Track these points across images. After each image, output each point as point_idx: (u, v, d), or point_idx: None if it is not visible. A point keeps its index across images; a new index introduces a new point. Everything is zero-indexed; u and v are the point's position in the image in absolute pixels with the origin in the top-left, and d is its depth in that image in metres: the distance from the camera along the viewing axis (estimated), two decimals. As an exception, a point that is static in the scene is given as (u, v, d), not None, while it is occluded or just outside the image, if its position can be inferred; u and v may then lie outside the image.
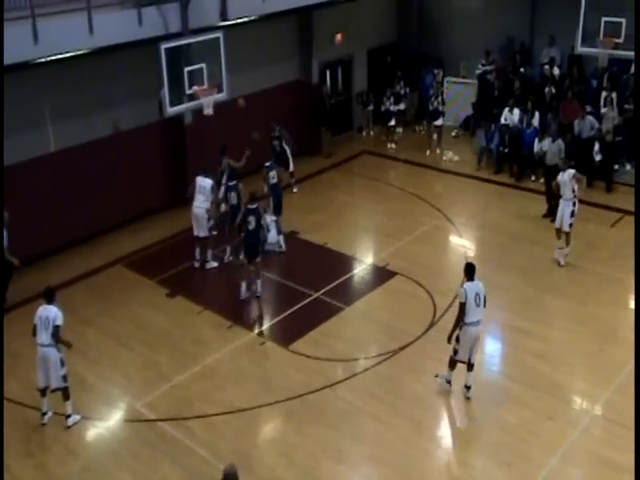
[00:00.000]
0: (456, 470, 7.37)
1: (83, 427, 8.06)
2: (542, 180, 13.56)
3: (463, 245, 12.04)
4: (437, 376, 8.45)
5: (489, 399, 8.34)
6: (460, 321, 7.96)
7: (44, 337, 7.68)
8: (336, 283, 10.85)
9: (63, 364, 7.81)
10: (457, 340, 8.02)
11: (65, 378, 7.85)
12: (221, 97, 11.27)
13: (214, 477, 7.20)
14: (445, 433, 7.98)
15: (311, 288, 10.66)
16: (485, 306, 8.02)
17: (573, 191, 10.94)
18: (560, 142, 12.86)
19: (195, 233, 11.40)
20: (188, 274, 11.28)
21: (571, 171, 10.94)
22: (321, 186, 14.63)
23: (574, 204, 10.99)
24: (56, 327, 7.66)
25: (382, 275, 11.16)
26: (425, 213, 12.99)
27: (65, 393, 7.92)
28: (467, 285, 7.99)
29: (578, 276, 10.81)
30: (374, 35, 17.83)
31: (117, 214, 12.60)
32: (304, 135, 15.94)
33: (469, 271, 8.10)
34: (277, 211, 12.07)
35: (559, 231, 11.14)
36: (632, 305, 10.22)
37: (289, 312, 10.18)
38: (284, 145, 14.08)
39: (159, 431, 7.95)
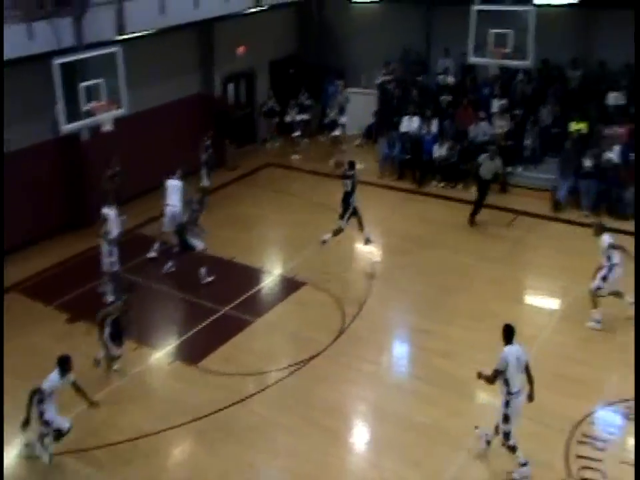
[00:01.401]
0: (369, 473, 7.49)
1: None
2: (475, 189, 13.57)
3: (369, 251, 12.32)
4: (477, 428, 7.72)
5: (398, 401, 8.56)
6: (505, 393, 7.08)
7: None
8: (244, 296, 10.82)
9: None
10: (507, 420, 7.08)
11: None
12: (120, 112, 11.01)
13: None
14: (357, 438, 8.12)
15: (219, 303, 10.57)
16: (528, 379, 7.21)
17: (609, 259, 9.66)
18: (498, 161, 13.18)
19: (165, 228, 11.98)
20: (89, 297, 10.86)
21: (606, 238, 9.71)
22: (227, 200, 14.53)
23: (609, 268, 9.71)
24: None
25: (290, 285, 11.24)
26: (331, 222, 13.14)
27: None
28: (507, 350, 7.06)
29: (476, 275, 11.32)
30: (276, 47, 18.03)
31: (9, 238, 11.93)
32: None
33: (508, 334, 7.13)
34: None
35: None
36: (527, 300, 10.85)
37: (196, 329, 10.03)
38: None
39: (62, 464, 7.60)
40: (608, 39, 15.24)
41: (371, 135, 17.19)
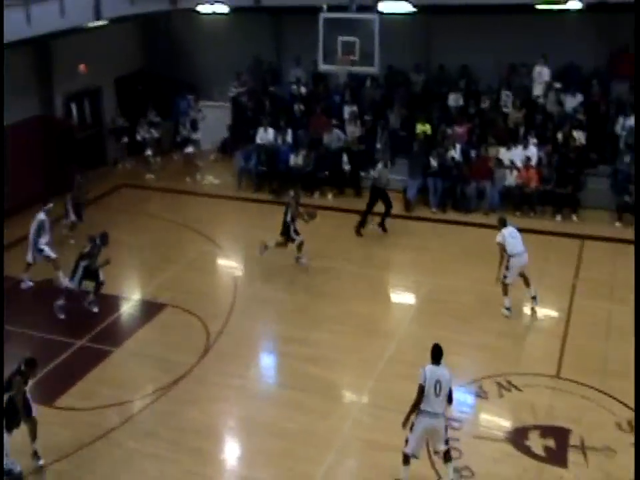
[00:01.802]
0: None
1: None
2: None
3: (230, 265, 12.50)
4: None
5: (267, 411, 8.77)
6: (416, 405, 7.16)
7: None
8: (102, 326, 10.56)
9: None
10: (411, 428, 7.16)
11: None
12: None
13: None
14: (228, 454, 8.22)
15: (75, 336, 10.23)
16: (448, 401, 7.21)
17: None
18: (380, 165, 13.65)
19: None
20: None
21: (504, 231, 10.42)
22: (78, 226, 14.09)
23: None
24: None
25: (151, 309, 11.12)
26: (190, 239, 13.22)
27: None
28: (429, 368, 7.15)
29: (337, 278, 11.83)
30: (122, 63, 17.74)
31: None
32: (50, 174, 15.27)
33: (434, 354, 7.23)
34: None
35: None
36: (386, 297, 11.50)
37: (50, 367, 9.63)
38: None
39: None
40: (445, 44, 16.58)
41: (226, 148, 17.39)
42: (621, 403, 8.40)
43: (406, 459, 7.20)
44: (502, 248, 10.30)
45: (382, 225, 13.53)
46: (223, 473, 7.89)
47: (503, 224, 10.54)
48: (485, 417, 8.59)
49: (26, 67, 14.98)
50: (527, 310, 10.71)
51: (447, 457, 7.23)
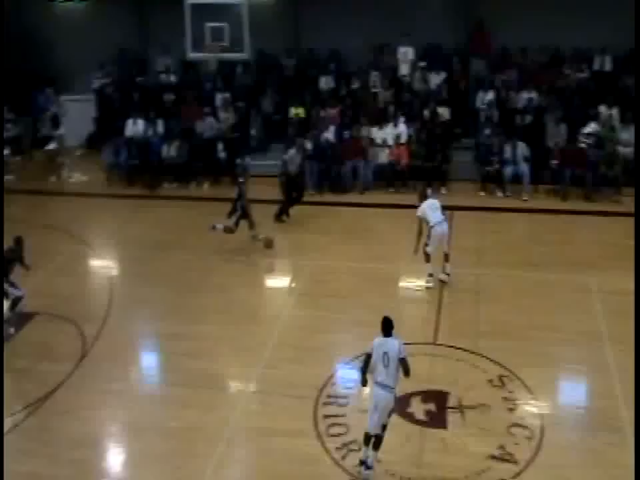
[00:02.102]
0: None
1: None
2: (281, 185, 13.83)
3: (104, 265, 12.08)
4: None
5: (152, 412, 8.56)
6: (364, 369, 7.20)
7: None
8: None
9: None
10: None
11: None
12: None
13: None
14: (111, 462, 7.95)
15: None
16: (405, 373, 7.12)
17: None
18: (292, 151, 13.66)
19: None
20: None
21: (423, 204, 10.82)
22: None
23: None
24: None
25: (17, 320, 10.48)
26: (59, 241, 12.60)
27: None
28: (377, 339, 7.17)
29: (218, 270, 11.72)
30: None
31: None
32: None
33: (383, 326, 7.22)
34: None
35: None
36: (268, 283, 11.54)
37: None
38: None
39: None
40: (314, 27, 16.80)
41: (93, 143, 16.70)
42: (491, 360, 8.97)
43: (367, 438, 7.18)
44: (421, 220, 10.70)
45: (279, 216, 13.43)
46: (108, 480, 7.65)
47: (424, 197, 10.95)
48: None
49: None
50: (404, 284, 11.18)
51: (376, 443, 7.12)
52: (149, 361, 9.71)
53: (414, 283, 11.12)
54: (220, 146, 15.26)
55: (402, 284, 11.17)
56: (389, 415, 7.16)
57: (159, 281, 11.41)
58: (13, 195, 14.77)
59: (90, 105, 17.07)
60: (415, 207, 11.08)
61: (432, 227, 10.71)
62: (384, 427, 7.16)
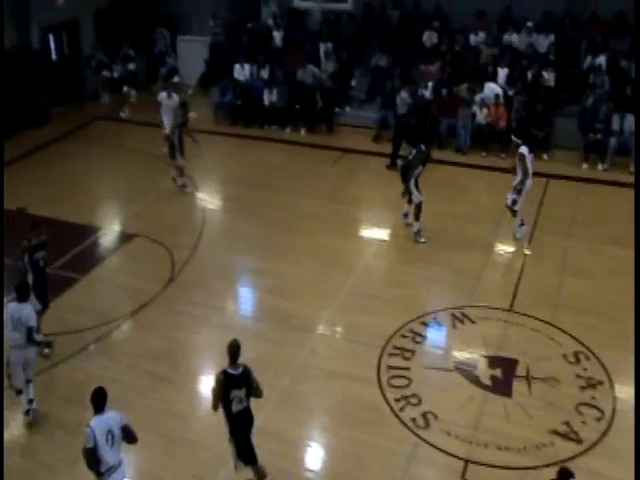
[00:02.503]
0: (193, 411, 7.38)
1: None
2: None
3: (201, 198, 12.00)
4: None
5: (225, 339, 8.32)
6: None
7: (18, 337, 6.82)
8: (69, 254, 10.12)
9: None
10: None
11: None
12: None
13: None
14: (184, 380, 7.89)
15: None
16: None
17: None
18: (404, 93, 13.27)
19: None
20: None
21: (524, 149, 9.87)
22: (52, 157, 13.48)
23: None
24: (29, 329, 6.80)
25: (120, 239, 10.72)
26: (164, 172, 12.61)
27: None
28: (95, 421, 5.56)
29: (307, 213, 11.35)
30: (100, -5, 16.63)
31: None
32: (25, 105, 14.54)
33: (95, 401, 5.67)
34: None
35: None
36: (353, 232, 10.99)
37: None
38: None
39: None
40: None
41: (204, 83, 16.57)
42: (569, 335, 8.17)
43: None
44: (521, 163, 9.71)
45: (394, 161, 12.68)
46: (178, 397, 7.57)
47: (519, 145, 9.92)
48: (436, 347, 8.33)
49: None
50: (487, 244, 10.37)
51: None
52: (229, 291, 9.59)
53: (501, 247, 10.31)
54: (318, 96, 14.66)
55: (488, 247, 10.31)
56: None
57: (249, 218, 11.21)
58: (129, 125, 15.09)
59: (204, 46, 16.84)
60: (509, 171, 10.21)
61: (527, 179, 9.77)
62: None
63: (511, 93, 13.67)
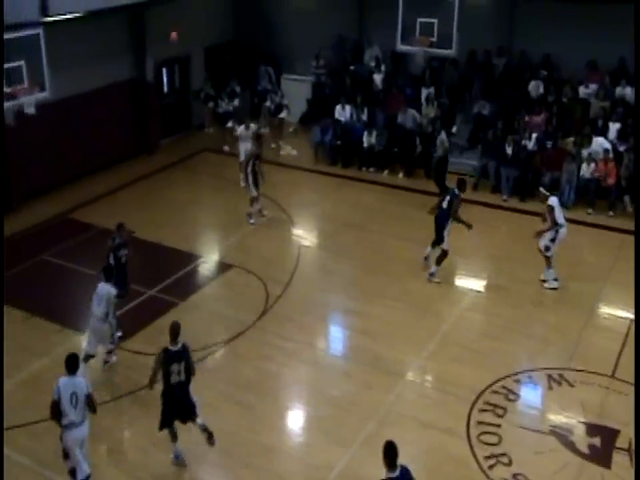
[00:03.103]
0: (278, 444, 7.72)
1: None
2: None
3: (297, 234, 12.51)
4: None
5: (313, 376, 8.81)
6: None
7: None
8: (171, 279, 10.83)
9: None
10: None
11: None
12: (43, 96, 10.82)
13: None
14: (271, 412, 8.24)
15: (145, 286, 10.54)
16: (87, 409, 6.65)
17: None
18: (443, 134, 14.02)
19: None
20: (12, 282, 10.68)
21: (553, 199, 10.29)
22: (159, 185, 14.51)
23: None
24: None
25: (218, 268, 11.36)
26: (262, 206, 13.29)
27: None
28: (63, 380, 6.57)
29: (399, 256, 11.55)
30: (211, 33, 17.87)
31: None
32: (138, 135, 15.79)
33: (68, 364, 6.60)
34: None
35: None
36: (446, 279, 11.07)
37: (122, 311, 9.97)
38: None
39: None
40: (528, 30, 15.79)
41: (305, 121, 17.34)
42: (677, 409, 7.87)
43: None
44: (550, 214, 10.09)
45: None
46: (267, 428, 7.92)
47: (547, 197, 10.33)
48: (531, 408, 8.25)
49: (122, 32, 15.29)
50: (589, 304, 10.17)
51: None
52: (320, 328, 9.92)
53: (605, 309, 10.15)
54: (418, 140, 15.00)
55: (591, 307, 10.13)
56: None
57: (343, 257, 11.59)
58: (232, 158, 15.87)
59: (307, 85, 17.69)
60: (624, 230, 10.10)
61: (560, 226, 10.04)
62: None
63: (621, 148, 13.45)
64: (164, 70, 17.01)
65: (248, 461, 7.40)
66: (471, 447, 7.48)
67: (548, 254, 10.27)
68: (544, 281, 10.53)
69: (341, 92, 16.59)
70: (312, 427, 7.98)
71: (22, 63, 10.39)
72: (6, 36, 10.36)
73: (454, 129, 15.59)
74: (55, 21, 12.10)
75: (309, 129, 16.86)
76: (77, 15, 12.68)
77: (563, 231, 10.13)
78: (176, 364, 6.97)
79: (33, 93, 10.65)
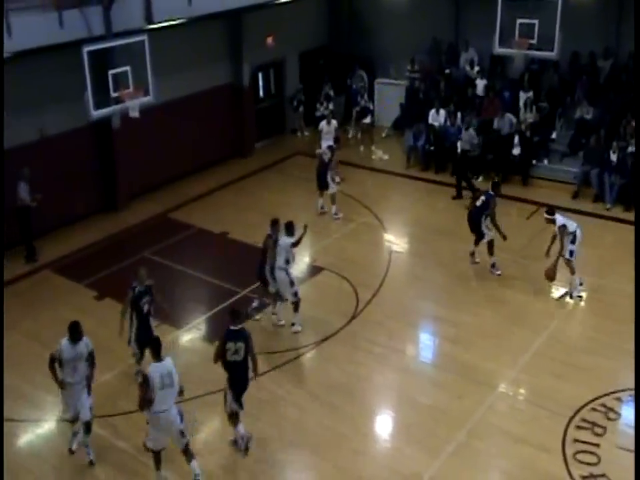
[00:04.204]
0: (367, 448, 7.84)
1: (5, 428, 8.20)
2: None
3: (388, 239, 12.61)
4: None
5: (403, 382, 8.87)
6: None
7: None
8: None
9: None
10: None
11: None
12: (147, 100, 11.49)
13: (136, 470, 7.53)
14: (360, 415, 8.37)
15: (239, 285, 11.00)
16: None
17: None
18: (472, 131, 14.25)
19: None
20: (117, 277, 11.45)
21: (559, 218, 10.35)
22: (253, 187, 15.03)
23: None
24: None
25: (309, 270, 11.63)
26: (353, 210, 13.49)
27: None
28: (65, 345, 7.40)
29: (488, 265, 11.32)
30: (306, 38, 18.29)
31: (43, 220, 12.48)
32: (233, 138, 16.42)
33: (72, 331, 7.44)
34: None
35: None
36: (538, 290, 10.82)
37: (216, 309, 10.51)
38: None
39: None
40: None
41: (398, 126, 17.40)
42: None
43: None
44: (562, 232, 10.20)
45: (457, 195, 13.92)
46: (355, 431, 8.05)
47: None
48: (633, 428, 7.92)
49: (220, 38, 15.95)
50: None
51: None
52: (410, 335, 9.97)
53: None
54: (516, 140, 14.65)
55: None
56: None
57: (434, 264, 11.57)
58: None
59: (401, 89, 17.73)
60: None
61: (574, 231, 10.15)
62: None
63: None
64: (259, 75, 17.62)
65: (335, 462, 7.57)
66: (567, 465, 7.30)
67: (573, 258, 10.21)
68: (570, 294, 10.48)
69: (435, 96, 16.54)
70: (400, 434, 8.05)
71: (127, 68, 10.98)
72: (114, 43, 11.13)
73: (554, 135, 15.17)
74: (158, 27, 12.89)
75: (401, 133, 16.95)
76: (179, 21, 13.44)
77: (579, 233, 10.28)
78: (231, 342, 7.51)
79: (137, 97, 11.28)
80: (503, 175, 14.62)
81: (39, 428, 8.29)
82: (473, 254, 11.41)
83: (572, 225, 10.29)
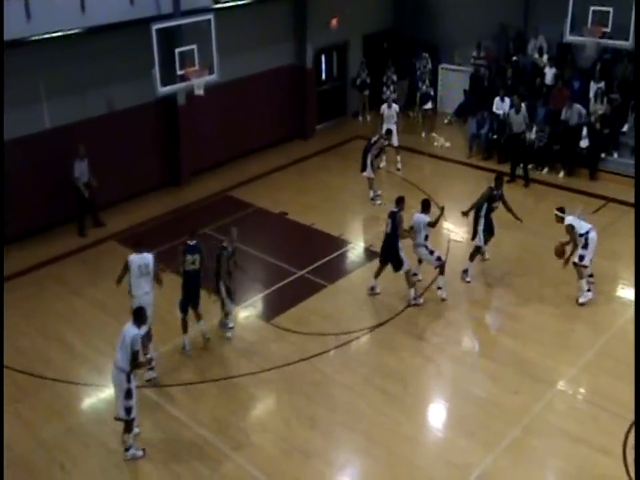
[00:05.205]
0: (420, 436, 7.78)
1: (68, 391, 8.49)
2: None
3: (447, 228, 12.38)
4: None
5: (458, 373, 8.75)
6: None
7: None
8: (320, 262, 11.21)
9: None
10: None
11: (129, 410, 7.31)
12: (211, 78, 11.56)
13: (191, 440, 7.68)
14: (413, 403, 8.31)
15: (296, 266, 11.03)
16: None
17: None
18: (524, 111, 13.90)
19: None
20: (177, 251, 11.59)
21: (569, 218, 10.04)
22: (313, 169, 15.01)
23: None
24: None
25: (365, 255, 11.56)
26: (412, 196, 13.13)
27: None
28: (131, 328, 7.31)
29: (554, 259, 10.99)
30: (370, 21, 18.02)
31: (109, 193, 12.83)
32: (294, 119, 16.41)
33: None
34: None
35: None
36: (604, 287, 10.46)
37: (273, 288, 10.57)
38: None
39: (141, 396, 8.28)
40: None
41: (461, 113, 17.01)
42: None
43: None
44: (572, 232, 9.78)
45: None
46: (407, 418, 7.99)
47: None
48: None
49: (285, 19, 15.85)
50: None
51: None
52: (467, 326, 9.78)
53: None
54: (585, 132, 14.11)
55: None
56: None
57: (495, 255, 11.20)
58: (385, 146, 16.09)
59: (465, 76, 17.32)
60: None
61: (587, 233, 9.63)
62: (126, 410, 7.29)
63: None
64: (322, 57, 17.48)
65: (388, 447, 7.53)
66: (627, 470, 7.06)
67: (583, 263, 9.77)
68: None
69: (501, 84, 16.07)
70: (454, 425, 7.93)
71: (194, 46, 11.07)
72: (181, 21, 11.23)
73: (625, 128, 14.54)
74: (225, 7, 12.91)
75: (464, 120, 16.57)
76: (246, 1, 13.43)
77: (592, 235, 9.77)
78: (189, 255, 8.83)
79: (203, 75, 11.35)
80: (569, 168, 14.15)
81: (102, 393, 8.53)
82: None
83: (582, 227, 9.73)
